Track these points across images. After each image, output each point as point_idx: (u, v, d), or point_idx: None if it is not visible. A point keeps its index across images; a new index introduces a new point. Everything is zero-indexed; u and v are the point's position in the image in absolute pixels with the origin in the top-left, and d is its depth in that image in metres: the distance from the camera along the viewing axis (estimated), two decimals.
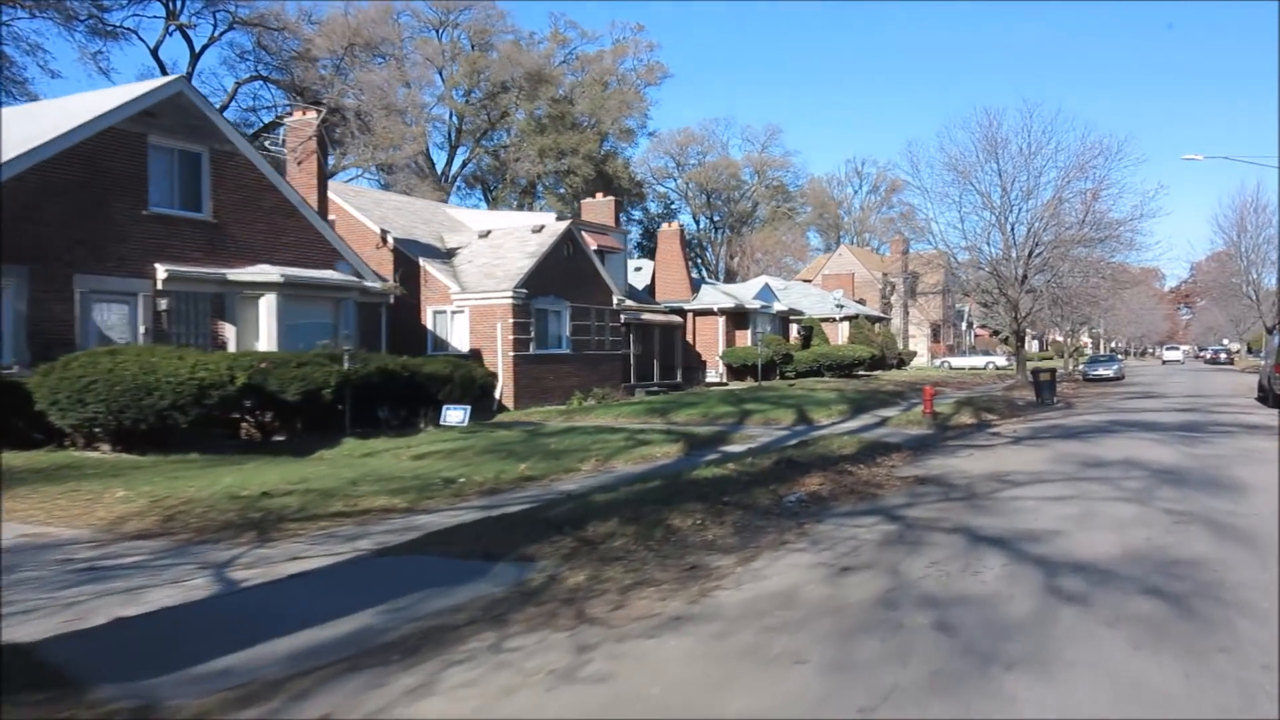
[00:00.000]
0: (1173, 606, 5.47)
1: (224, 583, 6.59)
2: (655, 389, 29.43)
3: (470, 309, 23.72)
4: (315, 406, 15.88)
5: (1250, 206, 55.66)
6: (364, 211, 25.53)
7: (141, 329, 15.68)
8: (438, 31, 53.49)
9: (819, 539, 7.98)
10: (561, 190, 56.72)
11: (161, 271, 15.92)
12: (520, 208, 53.08)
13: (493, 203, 56.43)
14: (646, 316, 31.37)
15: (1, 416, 12.48)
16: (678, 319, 34.19)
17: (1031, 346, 78.74)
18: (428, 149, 55.71)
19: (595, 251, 30.06)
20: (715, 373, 35.88)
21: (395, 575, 6.77)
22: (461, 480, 10.93)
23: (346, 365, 15.91)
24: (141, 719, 3.99)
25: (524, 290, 23.37)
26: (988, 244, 33.98)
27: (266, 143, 29.93)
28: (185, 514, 8.82)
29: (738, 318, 36.39)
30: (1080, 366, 46.74)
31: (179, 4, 37.28)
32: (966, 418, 20.22)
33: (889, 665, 4.54)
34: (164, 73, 42.11)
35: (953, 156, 33.10)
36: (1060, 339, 61.19)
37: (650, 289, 36.51)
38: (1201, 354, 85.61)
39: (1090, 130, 44.51)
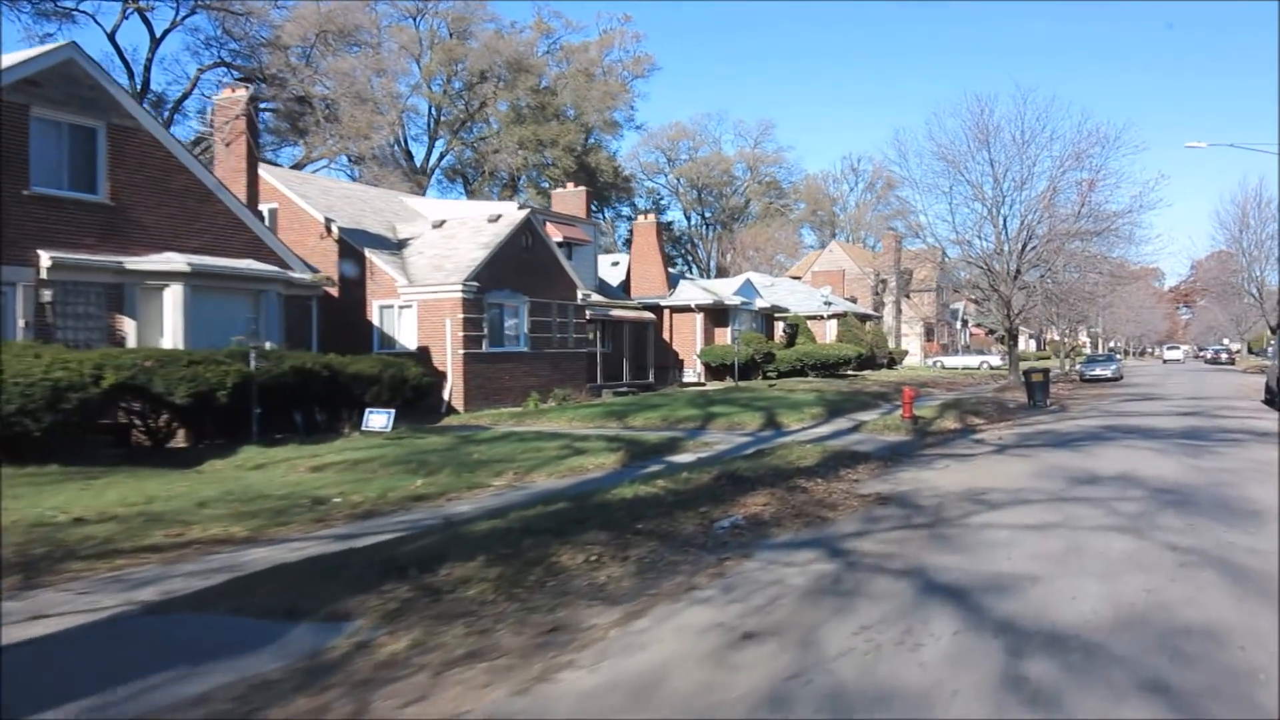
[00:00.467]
0: (1182, 712, 3.81)
1: None
2: (624, 390, 27.73)
3: (419, 304, 22.03)
4: (222, 410, 14.24)
5: (1253, 201, 54.03)
6: (308, 199, 23.83)
7: (21, 323, 13.98)
8: (415, 19, 51.75)
9: (735, 584, 6.35)
10: (546, 184, 54.98)
11: (46, 259, 14.22)
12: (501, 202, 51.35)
13: (472, 197, 54.69)
14: (616, 313, 29.65)
15: None
16: (650, 316, 32.45)
17: (1030, 346, 77.42)
18: (405, 141, 54.02)
19: (562, 244, 28.39)
20: (693, 372, 34.18)
21: (149, 643, 5.12)
22: (337, 500, 9.26)
23: (253, 364, 14.23)
24: None
25: (475, 283, 21.67)
26: (979, 237, 32.33)
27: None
28: None
29: (717, 315, 34.67)
30: (1077, 366, 45.05)
31: None
32: (950, 422, 18.57)
33: None
34: (123, 60, 40.44)
35: (942, 145, 31.44)
36: (1058, 338, 59.53)
37: (626, 284, 34.80)
38: (1201, 354, 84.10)
39: (1087, 117, 42.62)
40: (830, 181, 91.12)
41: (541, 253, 24.57)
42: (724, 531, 8.29)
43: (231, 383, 13.21)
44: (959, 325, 73.40)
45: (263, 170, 24.86)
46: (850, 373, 38.79)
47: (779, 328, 41.21)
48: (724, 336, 33.94)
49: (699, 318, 34.03)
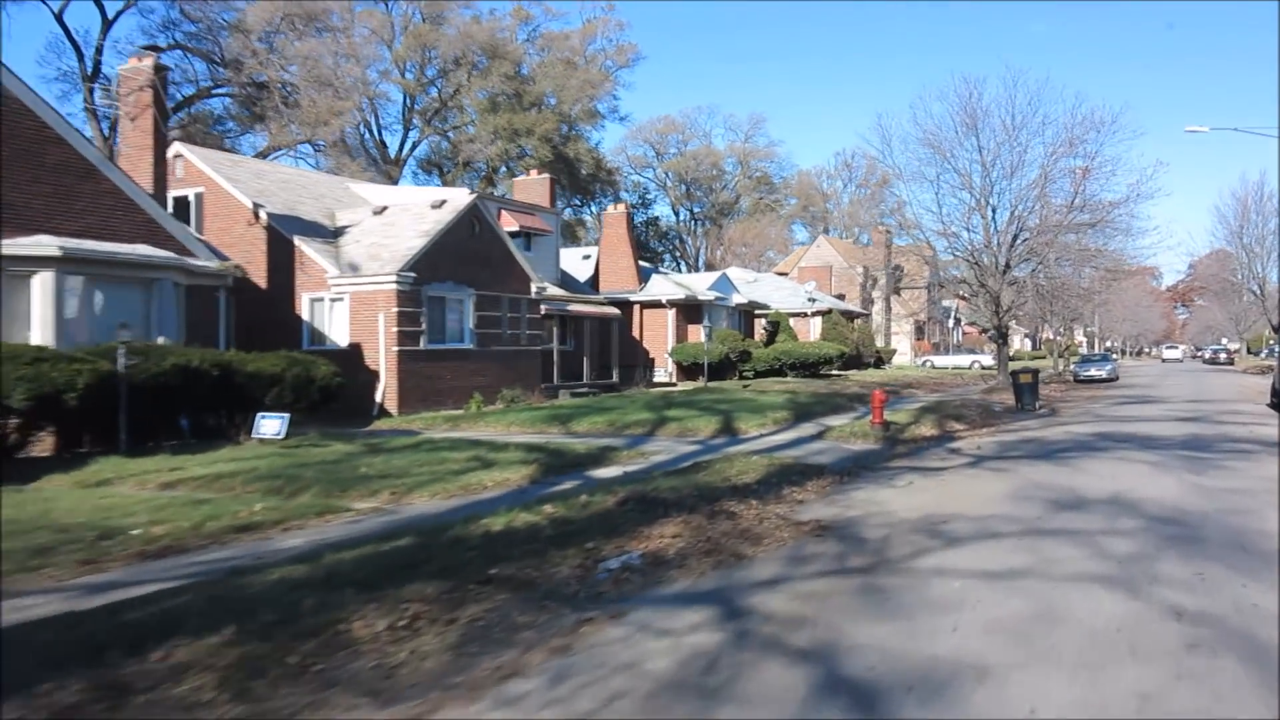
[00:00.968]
0: None
1: None
2: (583, 390, 25.89)
3: (350, 296, 20.18)
4: (92, 414, 12.44)
5: (1254, 195, 52.28)
6: (237, 184, 21.96)
7: None
8: (386, 3, 49.83)
9: (574, 668, 4.60)
10: (522, 176, 53.07)
11: None
12: None
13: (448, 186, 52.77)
14: (576, 308, 27.77)
15: None
16: (614, 311, 30.56)
17: (1025, 345, 75.60)
18: (379, 130, 52.11)
19: (519, 233, 26.56)
20: (665, 372, 32.33)
21: None
22: (135, 532, 7.44)
23: (120, 362, 12.40)
24: None
25: (412, 274, 19.82)
26: (967, 229, 30.50)
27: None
28: None
29: (690, 311, 32.80)
30: (1071, 366, 43.24)
31: None
32: (926, 428, 16.77)
33: None
34: (72, 42, 38.42)
35: (928, 131, 29.62)
36: (1052, 336, 57.74)
37: (595, 279, 32.93)
38: (1200, 353, 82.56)
39: (1081, 101, 40.73)
40: (824, 178, 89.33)
41: (491, 242, 22.73)
42: (607, 576, 6.53)
43: (83, 383, 11.37)
44: (951, 324, 71.59)
45: (189, 151, 23.05)
46: (833, 372, 36.97)
47: (759, 325, 39.40)
48: (697, 333, 32.10)
49: (671, 314, 32.17)
